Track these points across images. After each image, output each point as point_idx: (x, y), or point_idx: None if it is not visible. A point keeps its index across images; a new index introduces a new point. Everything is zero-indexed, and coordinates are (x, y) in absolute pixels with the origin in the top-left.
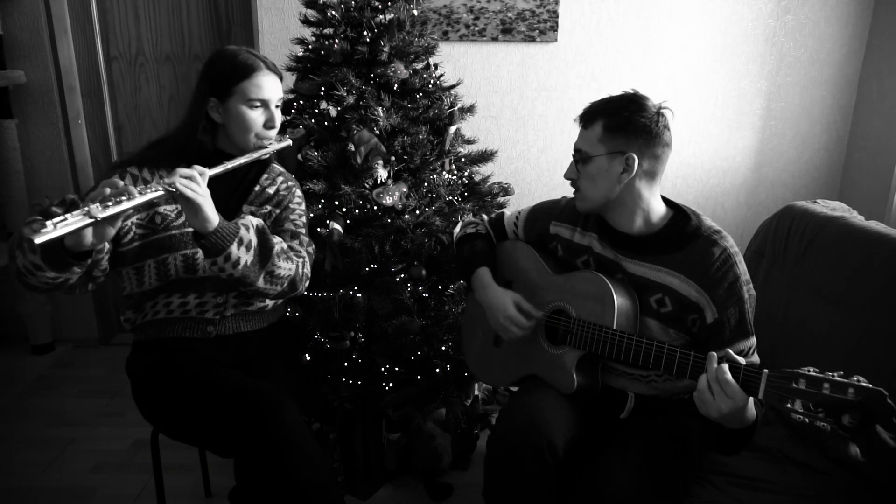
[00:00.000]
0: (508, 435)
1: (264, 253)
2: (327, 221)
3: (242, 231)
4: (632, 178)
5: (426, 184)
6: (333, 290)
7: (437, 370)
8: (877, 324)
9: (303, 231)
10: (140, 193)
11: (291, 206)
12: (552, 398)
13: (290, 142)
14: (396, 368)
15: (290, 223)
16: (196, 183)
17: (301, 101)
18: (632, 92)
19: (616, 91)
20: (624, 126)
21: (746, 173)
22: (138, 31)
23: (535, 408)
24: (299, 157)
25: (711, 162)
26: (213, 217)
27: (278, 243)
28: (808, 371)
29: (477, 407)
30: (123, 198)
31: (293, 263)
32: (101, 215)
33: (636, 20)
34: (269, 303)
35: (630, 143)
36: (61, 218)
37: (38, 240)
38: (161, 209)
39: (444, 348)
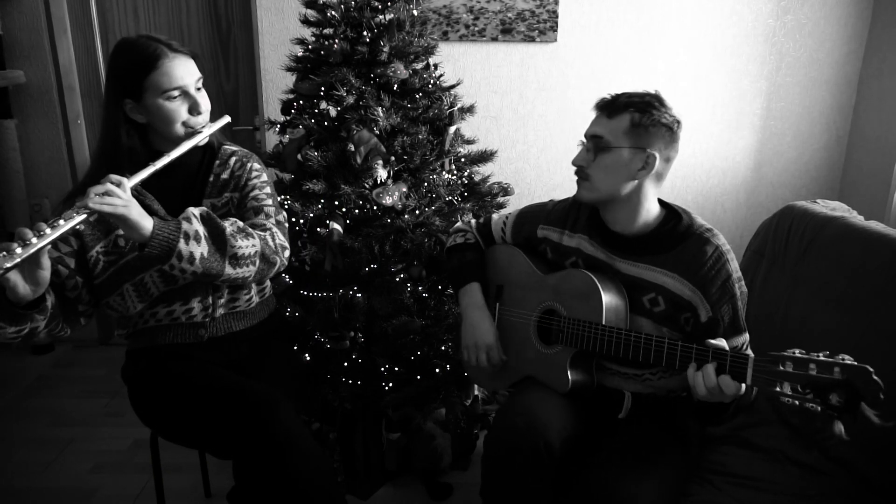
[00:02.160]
0: (505, 435)
1: (218, 239)
2: (327, 221)
3: (185, 225)
4: (644, 178)
5: (426, 184)
6: (333, 290)
7: (437, 370)
8: (877, 324)
9: (267, 202)
10: (52, 227)
11: (250, 182)
12: (549, 398)
13: (227, 119)
14: (396, 368)
15: (251, 199)
16: (113, 195)
17: (301, 101)
18: (654, 92)
19: (616, 90)
20: (653, 124)
21: (746, 173)
22: (138, 31)
23: (531, 408)
24: (299, 157)
25: (711, 162)
26: (145, 222)
27: (230, 224)
28: (794, 353)
29: (477, 407)
30: (34, 240)
31: (255, 238)
32: (7, 264)
33: (636, 20)
34: (255, 297)
35: (653, 142)
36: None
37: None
38: (121, 231)
39: (444, 348)
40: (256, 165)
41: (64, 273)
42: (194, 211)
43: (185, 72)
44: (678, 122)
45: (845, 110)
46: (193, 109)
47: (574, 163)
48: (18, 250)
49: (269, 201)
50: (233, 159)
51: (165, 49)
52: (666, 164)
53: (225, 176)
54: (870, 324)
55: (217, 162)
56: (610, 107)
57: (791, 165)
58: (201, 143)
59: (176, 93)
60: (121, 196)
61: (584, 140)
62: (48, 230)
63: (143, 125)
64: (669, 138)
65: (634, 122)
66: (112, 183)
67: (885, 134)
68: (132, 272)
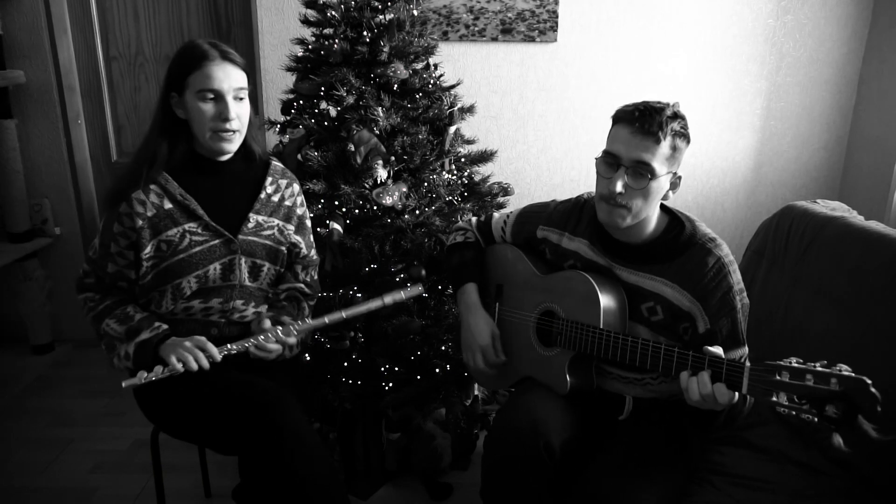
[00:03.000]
0: (506, 435)
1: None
2: (327, 221)
3: (286, 352)
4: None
5: (426, 184)
6: (333, 290)
7: (437, 370)
8: (877, 324)
9: (313, 256)
10: (221, 352)
11: (305, 223)
12: (549, 399)
13: (420, 289)
14: (396, 368)
15: (304, 246)
16: (268, 350)
17: (301, 101)
18: (665, 103)
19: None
20: (685, 146)
21: (746, 173)
22: (138, 30)
23: (532, 408)
24: (299, 157)
25: (711, 162)
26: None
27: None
28: (791, 363)
29: (477, 407)
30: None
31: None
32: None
33: (636, 20)
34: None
35: (679, 162)
36: (152, 374)
37: (125, 384)
38: (164, 235)
39: (444, 348)
40: (302, 197)
41: (124, 286)
42: (292, 339)
43: (224, 76)
44: None
45: (845, 110)
46: (221, 115)
47: (615, 190)
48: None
49: (313, 246)
50: (283, 182)
51: (216, 53)
52: None
53: (275, 199)
54: (870, 324)
55: (269, 179)
56: (657, 131)
57: (791, 165)
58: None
59: (210, 95)
60: (274, 349)
61: (621, 163)
62: (218, 355)
63: (187, 124)
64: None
65: (673, 147)
66: (294, 336)
67: (885, 134)
68: (172, 275)
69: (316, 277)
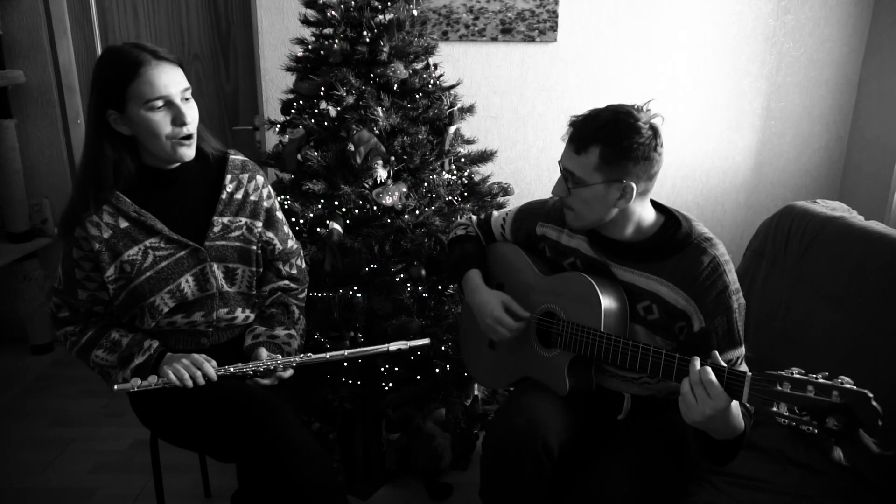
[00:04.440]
0: (504, 436)
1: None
2: (327, 221)
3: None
4: (624, 205)
5: (426, 184)
6: (333, 290)
7: (437, 370)
8: (877, 324)
9: (292, 245)
10: (217, 373)
11: (275, 215)
12: (548, 399)
13: (427, 341)
14: (396, 368)
15: (277, 241)
16: (275, 379)
17: (301, 101)
18: (624, 110)
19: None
20: (623, 156)
21: (746, 173)
22: (137, 30)
23: (530, 409)
24: (299, 157)
25: (711, 162)
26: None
27: (299, 336)
28: (793, 373)
29: (477, 407)
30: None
31: (303, 321)
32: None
33: (636, 20)
34: (251, 316)
35: (628, 172)
36: (146, 383)
37: (117, 387)
38: (125, 256)
39: (443, 348)
40: (269, 188)
41: (100, 311)
42: (289, 372)
43: (169, 80)
44: (653, 142)
45: (845, 110)
46: (177, 120)
47: (553, 193)
48: (174, 380)
49: (291, 236)
50: (244, 176)
51: (149, 56)
52: (649, 182)
53: (238, 196)
54: (870, 324)
55: (228, 177)
56: (577, 141)
57: (791, 165)
58: (189, 158)
59: (159, 103)
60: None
61: (562, 171)
62: (214, 375)
63: (131, 138)
64: (647, 162)
65: (604, 158)
66: (291, 370)
67: (885, 134)
68: (142, 296)
69: (302, 265)
